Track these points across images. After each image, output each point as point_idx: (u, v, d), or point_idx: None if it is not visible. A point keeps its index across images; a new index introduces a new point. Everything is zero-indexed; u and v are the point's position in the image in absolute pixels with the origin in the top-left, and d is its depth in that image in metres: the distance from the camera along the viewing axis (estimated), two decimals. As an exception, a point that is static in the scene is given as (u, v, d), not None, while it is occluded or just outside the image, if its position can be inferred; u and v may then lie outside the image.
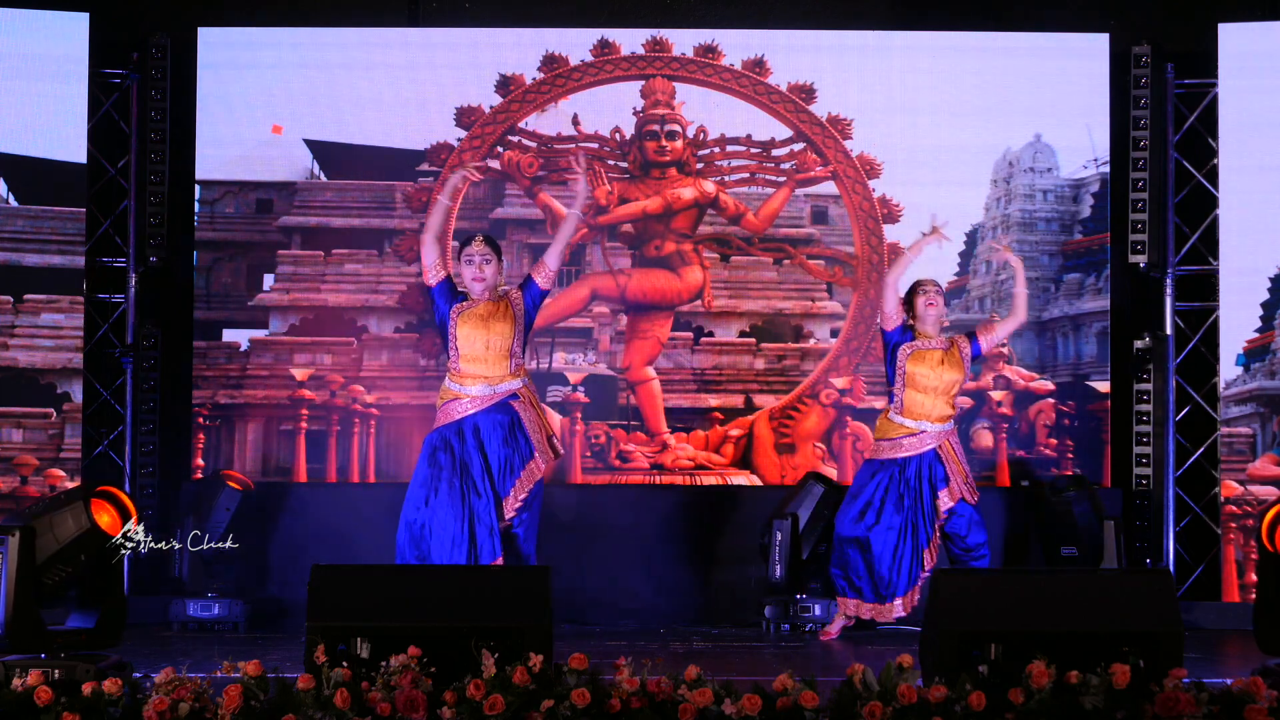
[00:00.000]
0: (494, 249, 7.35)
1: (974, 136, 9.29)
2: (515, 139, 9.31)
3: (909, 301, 7.91)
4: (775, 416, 9.22)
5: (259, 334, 9.25)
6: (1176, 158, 9.16)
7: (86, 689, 4.98)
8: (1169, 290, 9.11)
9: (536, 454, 7.33)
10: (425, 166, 9.31)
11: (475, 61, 9.33)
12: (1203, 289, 9.17)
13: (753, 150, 9.33)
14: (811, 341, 9.26)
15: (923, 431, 7.83)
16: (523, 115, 9.32)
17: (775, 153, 9.33)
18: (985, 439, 9.23)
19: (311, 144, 9.33)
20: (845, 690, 4.95)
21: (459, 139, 9.30)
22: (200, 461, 9.17)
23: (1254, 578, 8.56)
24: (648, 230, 9.32)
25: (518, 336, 7.34)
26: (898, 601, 7.85)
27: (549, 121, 9.33)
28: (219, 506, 8.49)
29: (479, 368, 7.32)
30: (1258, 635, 5.74)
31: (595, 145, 9.31)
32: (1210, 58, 9.10)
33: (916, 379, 7.82)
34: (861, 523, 7.85)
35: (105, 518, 5.60)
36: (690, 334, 9.31)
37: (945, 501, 7.83)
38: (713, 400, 9.27)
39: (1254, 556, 8.60)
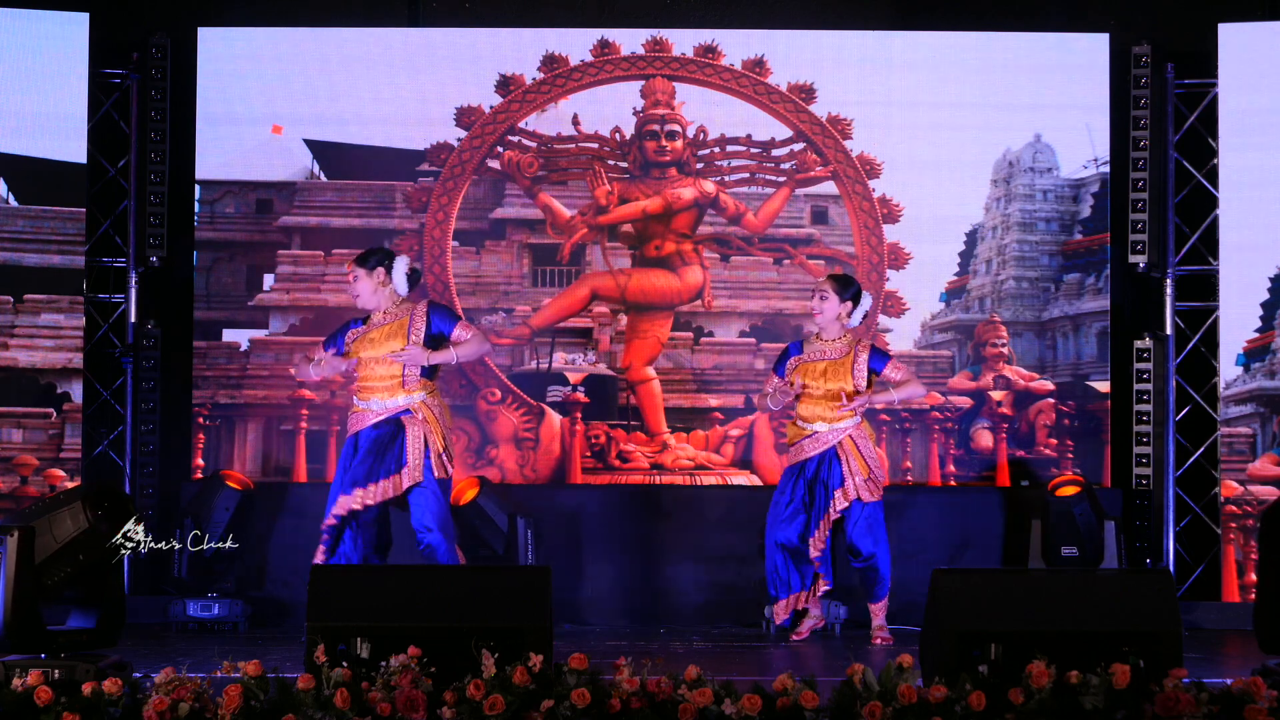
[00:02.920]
0: (362, 266, 7.55)
1: (974, 136, 9.29)
2: (515, 139, 9.31)
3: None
4: (775, 416, 9.21)
5: (259, 334, 9.25)
6: (1176, 158, 9.16)
7: (86, 689, 4.98)
8: (1169, 290, 9.11)
9: (404, 470, 7.40)
10: (425, 166, 9.31)
11: (475, 61, 9.33)
12: (1203, 289, 9.17)
13: (753, 150, 9.33)
14: (811, 341, 9.25)
15: (815, 433, 7.85)
16: (523, 115, 9.32)
17: (775, 153, 9.33)
18: (985, 439, 9.23)
19: (311, 144, 9.33)
20: (845, 690, 4.95)
21: (459, 139, 9.30)
22: (200, 461, 9.17)
23: (1254, 578, 8.56)
24: (648, 230, 9.32)
25: (408, 352, 7.45)
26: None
27: (549, 121, 9.33)
28: (219, 506, 8.49)
29: (372, 384, 7.53)
30: (1258, 635, 5.74)
31: (595, 145, 9.31)
32: (1210, 58, 9.10)
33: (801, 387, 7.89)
34: (781, 522, 7.88)
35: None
36: (690, 334, 9.31)
37: (840, 502, 7.84)
38: (713, 400, 9.27)
39: (1254, 556, 8.60)
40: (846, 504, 7.81)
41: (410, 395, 7.48)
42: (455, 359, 7.59)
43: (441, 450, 7.45)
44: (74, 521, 5.51)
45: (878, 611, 7.98)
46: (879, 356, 7.97)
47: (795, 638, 7.94)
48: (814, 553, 7.86)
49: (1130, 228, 9.18)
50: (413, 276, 7.65)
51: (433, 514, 7.42)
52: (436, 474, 7.44)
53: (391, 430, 7.44)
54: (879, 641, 7.86)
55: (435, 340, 7.53)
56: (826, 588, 7.94)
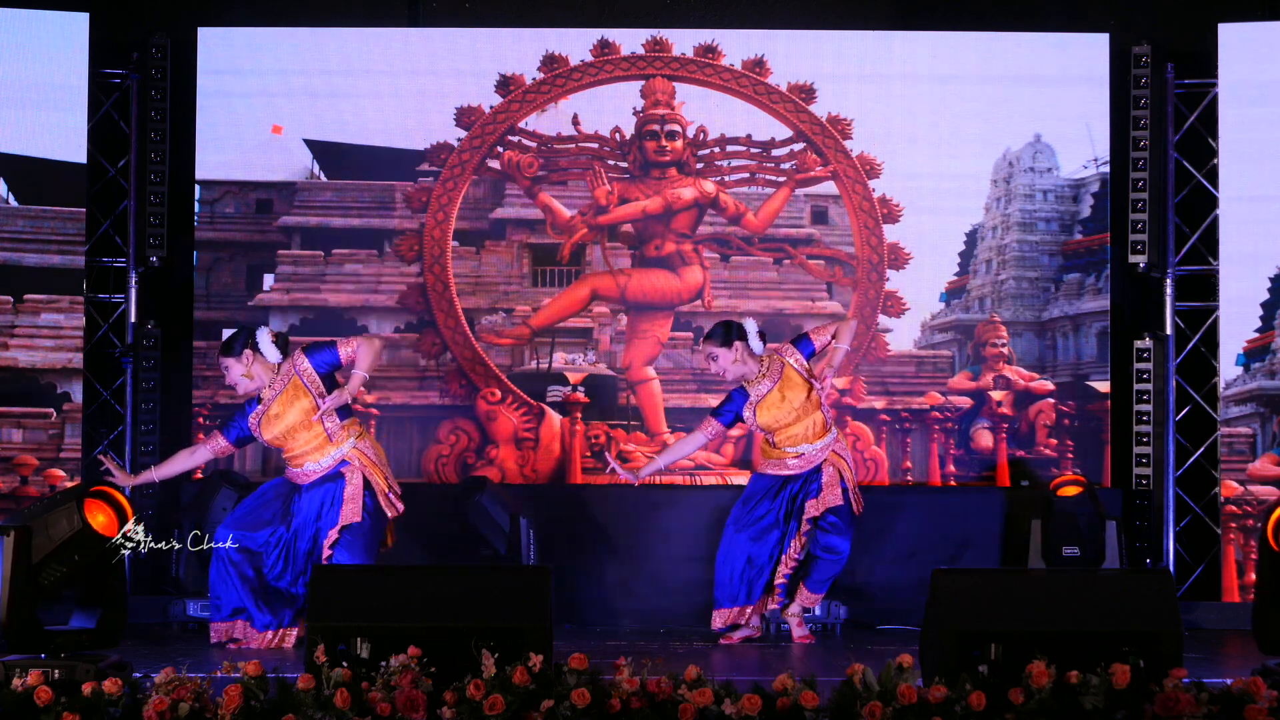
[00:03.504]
0: (229, 355, 7.42)
1: (974, 137, 9.29)
2: (515, 139, 9.32)
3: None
4: (775, 416, 9.21)
5: (259, 334, 9.23)
6: (1176, 158, 9.16)
7: (86, 689, 4.98)
8: (1169, 290, 9.11)
9: (342, 513, 7.35)
10: (425, 166, 9.31)
11: (475, 61, 9.33)
12: (1203, 289, 9.17)
13: (753, 150, 9.33)
14: (811, 341, 9.24)
15: (802, 455, 7.81)
16: (523, 115, 9.32)
17: (775, 153, 9.33)
18: (985, 439, 9.23)
19: (311, 144, 9.33)
20: (845, 690, 4.95)
21: (459, 139, 9.30)
22: (200, 461, 9.17)
23: (1254, 578, 8.56)
24: (648, 230, 9.32)
25: (321, 406, 7.36)
26: (749, 609, 7.79)
27: (549, 121, 9.33)
28: (216, 507, 8.49)
29: (299, 451, 7.46)
30: (1256, 635, 5.74)
31: (595, 145, 9.31)
32: (1210, 58, 9.10)
33: (774, 425, 7.79)
34: (753, 536, 7.78)
35: (100, 518, 5.59)
36: (690, 334, 9.31)
37: (811, 510, 7.72)
38: (713, 400, 9.25)
39: (1254, 556, 8.60)
40: (817, 513, 7.74)
41: (340, 446, 7.40)
42: (365, 375, 7.40)
43: (386, 489, 7.44)
44: (68, 522, 5.51)
45: (815, 603, 7.91)
46: (803, 344, 7.80)
47: (725, 641, 7.81)
48: (783, 573, 7.76)
49: (1130, 228, 9.18)
50: (280, 341, 7.46)
51: (357, 559, 7.38)
52: (389, 513, 7.44)
53: (331, 486, 7.40)
54: (797, 634, 7.81)
55: (330, 377, 7.42)
56: (776, 607, 7.85)
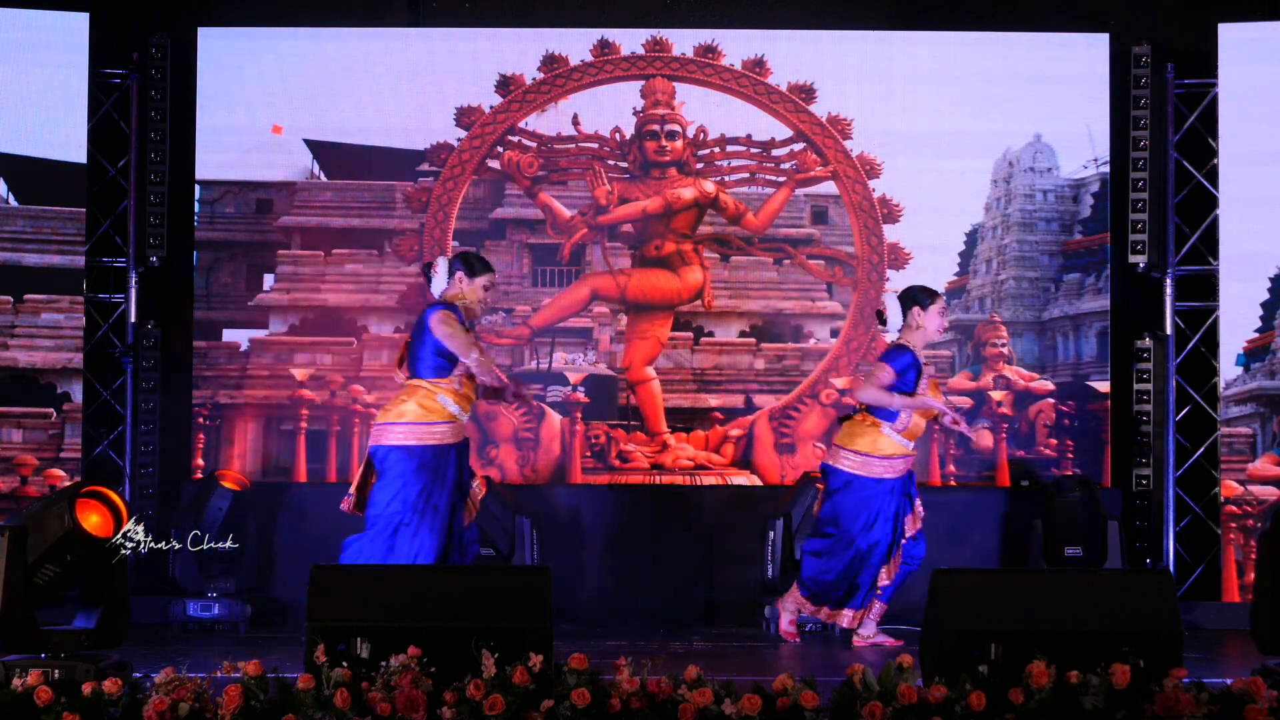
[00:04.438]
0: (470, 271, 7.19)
1: (974, 137, 9.29)
2: (515, 139, 9.32)
3: (914, 309, 7.68)
4: (775, 416, 9.22)
5: (259, 334, 9.25)
6: (1176, 158, 9.16)
7: (86, 689, 4.98)
8: (1169, 290, 9.11)
9: (475, 483, 7.20)
10: (425, 166, 9.31)
11: (475, 61, 9.33)
12: (1203, 289, 9.17)
13: (753, 150, 9.33)
14: (811, 341, 9.26)
15: (909, 455, 7.78)
16: (523, 115, 9.32)
17: (775, 153, 9.33)
18: (985, 439, 9.23)
19: (311, 144, 9.33)
20: (845, 690, 4.95)
21: (459, 139, 9.30)
22: (200, 461, 9.17)
23: (1254, 578, 8.55)
24: (648, 230, 9.32)
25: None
26: (847, 612, 7.78)
27: (549, 121, 9.33)
28: (212, 506, 8.50)
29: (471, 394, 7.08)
30: (1256, 635, 5.74)
31: (595, 145, 9.31)
32: (1210, 58, 9.10)
33: (928, 411, 7.74)
34: (870, 533, 7.71)
35: (94, 518, 5.58)
36: (690, 334, 9.31)
37: (909, 529, 7.72)
38: (713, 400, 9.27)
39: (1254, 556, 8.60)
40: (913, 531, 7.73)
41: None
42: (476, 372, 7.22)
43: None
44: (59, 522, 5.50)
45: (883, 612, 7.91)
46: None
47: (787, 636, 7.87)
48: (882, 585, 7.74)
49: (1130, 228, 9.18)
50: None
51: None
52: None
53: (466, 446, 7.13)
54: (890, 644, 7.80)
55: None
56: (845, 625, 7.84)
